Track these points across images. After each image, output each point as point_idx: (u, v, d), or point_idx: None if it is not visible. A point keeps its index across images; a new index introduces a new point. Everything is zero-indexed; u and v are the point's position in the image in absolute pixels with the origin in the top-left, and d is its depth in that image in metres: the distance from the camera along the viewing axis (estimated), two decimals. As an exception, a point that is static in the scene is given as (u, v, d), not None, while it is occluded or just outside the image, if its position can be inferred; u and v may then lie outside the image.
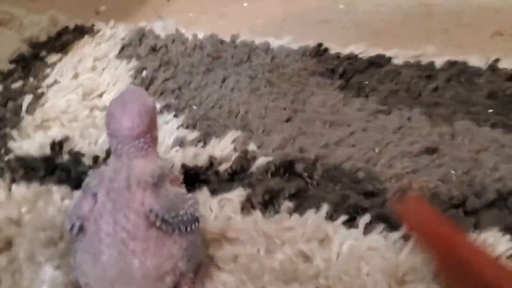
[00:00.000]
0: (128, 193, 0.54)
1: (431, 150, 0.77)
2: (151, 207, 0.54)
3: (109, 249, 0.52)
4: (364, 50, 1.00)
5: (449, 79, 0.92)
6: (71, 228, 0.55)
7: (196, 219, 0.56)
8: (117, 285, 0.52)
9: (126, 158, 0.57)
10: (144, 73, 0.96)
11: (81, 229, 0.54)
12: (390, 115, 0.85)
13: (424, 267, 0.60)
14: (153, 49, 1.04)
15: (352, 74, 0.95)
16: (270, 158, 0.76)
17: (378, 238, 0.64)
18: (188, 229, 0.55)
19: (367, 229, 0.65)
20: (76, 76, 0.97)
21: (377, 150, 0.78)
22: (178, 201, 0.56)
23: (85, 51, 1.04)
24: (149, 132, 0.58)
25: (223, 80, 0.95)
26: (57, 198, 0.70)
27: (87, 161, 0.77)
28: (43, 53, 1.03)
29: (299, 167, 0.74)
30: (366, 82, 0.93)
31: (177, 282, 0.55)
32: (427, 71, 0.94)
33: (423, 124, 0.82)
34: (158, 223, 0.53)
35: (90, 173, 0.62)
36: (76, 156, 0.78)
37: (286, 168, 0.75)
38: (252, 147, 0.79)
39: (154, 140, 0.59)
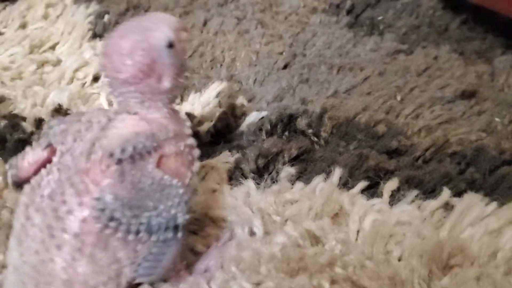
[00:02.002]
0: (85, 165, 0.42)
1: (468, 94, 0.69)
2: (101, 194, 0.40)
3: (33, 233, 0.42)
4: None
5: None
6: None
7: (174, 228, 0.41)
8: (28, 283, 0.42)
9: (116, 110, 0.46)
10: (106, 18, 0.86)
11: (19, 185, 0.46)
12: (412, 55, 0.78)
13: (474, 245, 0.49)
14: None
15: (362, 9, 0.89)
16: (264, 113, 0.65)
17: (409, 209, 0.53)
18: (155, 238, 0.41)
19: (395, 198, 0.55)
20: (23, 25, 0.86)
21: (399, 98, 0.68)
22: (152, 195, 0.41)
23: None
24: (146, 79, 0.45)
25: (204, 23, 0.85)
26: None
27: (28, 126, 0.64)
28: None
29: (301, 122, 0.62)
30: (380, 18, 0.87)
31: None
32: (453, 1, 0.85)
33: (455, 64, 0.75)
34: (103, 221, 0.40)
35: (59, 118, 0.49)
36: (14, 120, 0.65)
37: (285, 125, 0.63)
38: (241, 100, 0.69)
39: (156, 92, 0.46)
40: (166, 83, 0.46)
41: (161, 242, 0.41)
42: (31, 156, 0.46)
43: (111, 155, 0.41)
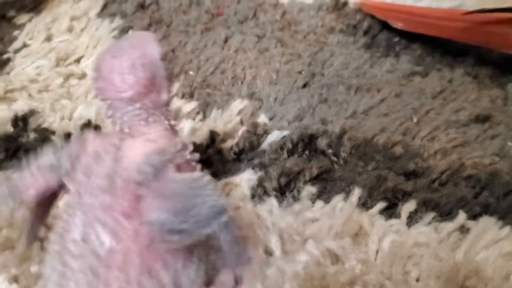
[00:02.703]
0: (110, 201, 0.41)
1: (482, 118, 0.67)
2: (147, 218, 0.40)
3: (76, 278, 0.41)
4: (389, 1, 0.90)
5: None
6: None
7: (221, 211, 0.41)
8: None
9: (119, 130, 0.45)
10: (130, 33, 0.85)
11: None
12: (427, 77, 0.76)
13: (488, 267, 0.49)
14: (141, 6, 0.92)
15: (378, 30, 0.86)
16: (285, 132, 0.64)
17: (427, 230, 0.53)
18: (215, 225, 0.40)
19: (412, 219, 0.54)
20: (49, 38, 0.85)
21: (415, 120, 0.67)
22: (187, 194, 0.41)
23: (60, 9, 0.91)
24: (149, 94, 0.44)
25: (225, 41, 0.84)
26: (19, 188, 0.58)
27: (58, 140, 0.64)
28: (12, 12, 0.91)
29: (321, 142, 0.62)
30: (396, 39, 0.84)
31: None
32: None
33: (469, 87, 0.73)
34: (160, 239, 0.40)
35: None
36: (44, 134, 0.65)
37: (305, 144, 0.62)
38: (262, 119, 0.68)
39: (158, 106, 0.45)
40: (164, 95, 0.46)
41: (222, 228, 0.41)
42: (29, 181, 0.45)
43: (134, 183, 0.41)
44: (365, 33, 0.85)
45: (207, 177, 0.42)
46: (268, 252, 0.51)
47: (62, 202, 0.54)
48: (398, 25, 0.82)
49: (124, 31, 0.85)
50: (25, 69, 0.78)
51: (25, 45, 0.83)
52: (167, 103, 0.46)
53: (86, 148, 0.44)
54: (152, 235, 0.41)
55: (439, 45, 0.80)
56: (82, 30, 0.87)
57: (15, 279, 0.49)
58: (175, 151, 0.43)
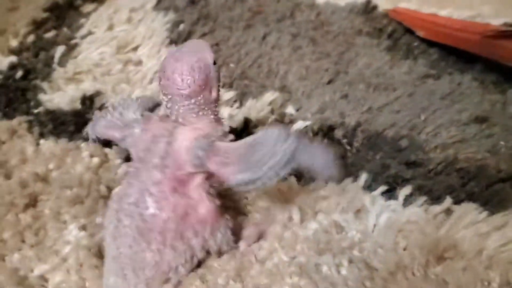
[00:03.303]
0: (160, 177, 0.51)
1: (480, 119, 0.74)
2: (232, 181, 0.50)
3: (126, 232, 0.51)
4: (415, 9, 0.95)
5: None
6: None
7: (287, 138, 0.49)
8: (126, 269, 0.51)
9: (174, 121, 0.53)
10: (181, 26, 0.93)
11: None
12: (439, 80, 0.82)
13: (465, 243, 0.57)
14: (192, 1, 1.01)
15: (401, 34, 0.91)
16: (308, 122, 0.73)
17: (418, 211, 0.62)
18: (285, 171, 0.49)
19: (407, 201, 0.63)
20: (111, 27, 0.94)
21: (423, 117, 0.75)
22: (253, 147, 0.50)
23: (121, 1, 1.00)
24: (202, 92, 0.53)
25: (264, 37, 0.91)
26: (86, 155, 0.69)
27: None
28: (78, 1, 1.00)
29: (338, 133, 0.72)
30: (416, 44, 0.90)
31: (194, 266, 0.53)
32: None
33: (474, 91, 0.79)
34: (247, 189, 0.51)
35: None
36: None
37: (324, 134, 0.72)
38: (290, 110, 0.77)
39: (208, 103, 0.54)
40: (214, 94, 0.54)
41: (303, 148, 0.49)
42: (104, 123, 0.56)
43: (191, 164, 0.51)
44: (389, 36, 0.91)
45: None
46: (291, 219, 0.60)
47: (121, 170, 0.66)
48: (421, 33, 0.89)
49: (175, 24, 0.93)
50: (90, 54, 0.88)
51: (90, 33, 0.93)
52: (216, 100, 0.55)
53: (148, 128, 0.54)
54: (186, 208, 0.51)
55: (453, 52, 0.86)
56: (139, 21, 0.95)
57: (83, 228, 0.60)
58: (217, 136, 0.52)
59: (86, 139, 0.70)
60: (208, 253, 0.54)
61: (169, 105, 0.54)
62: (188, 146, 0.52)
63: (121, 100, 0.59)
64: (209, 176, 0.52)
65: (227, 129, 0.54)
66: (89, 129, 0.58)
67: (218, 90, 0.55)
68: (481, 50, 0.81)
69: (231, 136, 0.53)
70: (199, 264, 0.54)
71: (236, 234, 0.57)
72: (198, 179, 0.52)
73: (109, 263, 0.53)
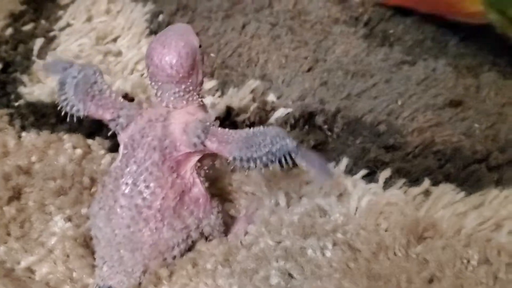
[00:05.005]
0: (159, 158, 0.52)
1: (455, 103, 0.76)
2: (230, 155, 0.51)
3: (122, 212, 0.52)
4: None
5: (476, 30, 0.87)
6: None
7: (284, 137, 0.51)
8: (122, 250, 0.52)
9: (165, 106, 0.54)
10: (160, 17, 0.93)
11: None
12: (414, 66, 0.83)
13: (444, 223, 0.59)
14: None
15: (377, 23, 0.92)
16: (289, 110, 0.74)
17: (398, 193, 0.63)
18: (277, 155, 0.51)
19: (387, 184, 0.65)
20: (89, 19, 0.93)
21: (399, 102, 0.76)
22: (253, 135, 0.52)
23: None
24: (190, 77, 0.53)
25: (243, 27, 0.91)
26: (69, 147, 0.69)
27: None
28: None
29: (319, 119, 0.73)
30: (391, 31, 0.91)
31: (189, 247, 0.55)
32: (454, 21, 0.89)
33: (448, 76, 0.81)
34: (243, 167, 0.51)
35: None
36: None
37: (305, 120, 0.73)
38: (271, 97, 0.78)
39: (196, 87, 0.54)
40: (200, 77, 0.55)
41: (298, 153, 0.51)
42: (98, 101, 0.54)
43: (190, 144, 0.52)
44: (365, 24, 0.91)
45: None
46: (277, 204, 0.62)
47: (105, 161, 0.67)
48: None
49: (155, 15, 0.93)
50: (69, 46, 0.87)
51: (68, 25, 0.92)
52: (201, 83, 0.56)
53: (142, 114, 0.55)
54: (183, 188, 0.53)
55: (428, 37, 0.88)
56: (118, 12, 0.94)
57: (69, 219, 0.61)
58: (211, 121, 0.54)
59: (68, 131, 0.71)
60: (201, 234, 0.55)
61: (159, 93, 0.54)
62: (184, 128, 0.53)
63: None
64: (203, 157, 0.54)
65: (213, 117, 0.55)
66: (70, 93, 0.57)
67: (203, 72, 0.56)
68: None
69: (217, 122, 0.55)
70: (190, 248, 0.55)
71: (225, 221, 0.58)
72: (193, 160, 0.54)
73: (101, 249, 0.54)
